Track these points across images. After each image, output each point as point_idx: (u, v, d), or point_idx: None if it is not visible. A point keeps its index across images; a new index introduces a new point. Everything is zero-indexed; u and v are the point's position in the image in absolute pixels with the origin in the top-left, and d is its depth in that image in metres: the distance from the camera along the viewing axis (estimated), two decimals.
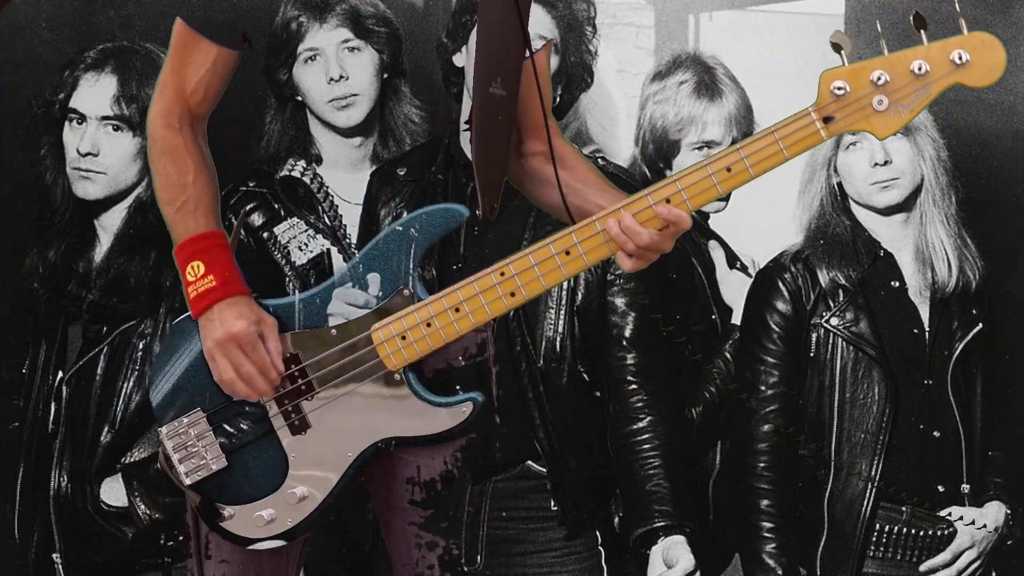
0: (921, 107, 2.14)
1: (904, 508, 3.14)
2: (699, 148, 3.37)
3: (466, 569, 3.01)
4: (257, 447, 2.32)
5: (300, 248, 3.21)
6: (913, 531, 3.14)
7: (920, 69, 2.13)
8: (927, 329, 3.19)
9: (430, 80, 3.30)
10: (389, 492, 2.37)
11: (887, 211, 3.22)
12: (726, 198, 3.43)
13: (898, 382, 3.15)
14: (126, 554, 3.05)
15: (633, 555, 3.02)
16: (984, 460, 3.21)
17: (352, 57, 3.21)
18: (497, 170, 2.33)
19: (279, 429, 2.31)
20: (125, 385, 3.07)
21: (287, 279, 3.20)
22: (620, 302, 3.05)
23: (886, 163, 3.17)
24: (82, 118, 3.11)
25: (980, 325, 3.22)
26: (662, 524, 2.94)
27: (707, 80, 3.37)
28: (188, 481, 2.32)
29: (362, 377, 2.28)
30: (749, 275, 3.41)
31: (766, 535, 3.12)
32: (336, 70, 3.18)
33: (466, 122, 2.36)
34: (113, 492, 3.05)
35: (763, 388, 3.16)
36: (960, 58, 2.13)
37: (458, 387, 2.32)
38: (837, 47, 2.13)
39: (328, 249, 3.21)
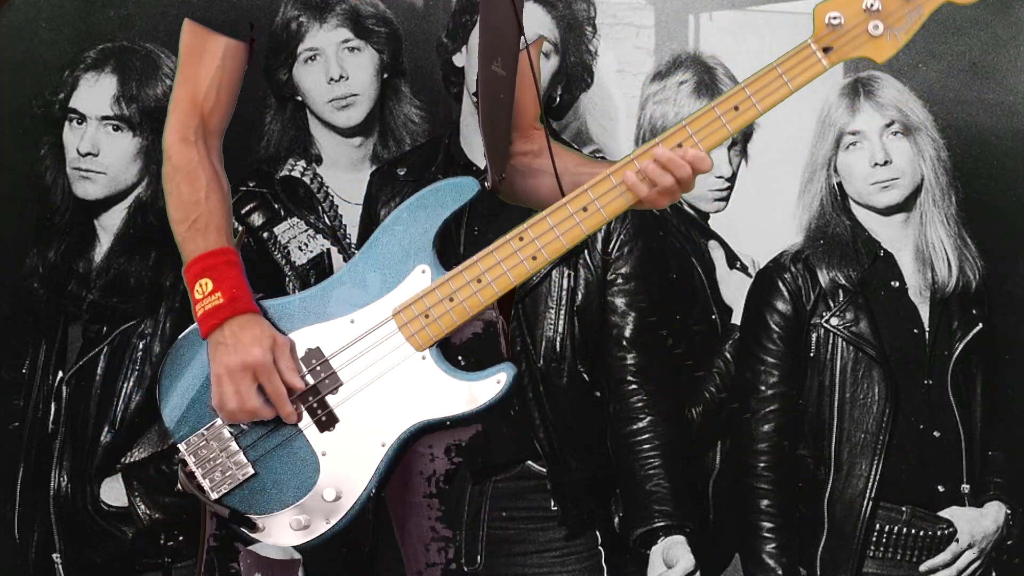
0: (915, 28, 2.16)
1: (904, 508, 3.14)
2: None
3: (466, 569, 3.01)
4: (284, 450, 2.23)
5: (300, 248, 3.21)
6: (913, 531, 3.14)
7: None
8: (927, 329, 3.19)
9: (430, 80, 3.30)
10: (406, 489, 2.31)
11: (887, 211, 3.22)
12: (726, 199, 3.43)
13: (898, 382, 3.15)
14: (126, 554, 3.05)
15: (633, 555, 3.02)
16: (984, 460, 3.21)
17: (352, 57, 3.21)
18: (502, 142, 2.31)
19: (306, 428, 2.23)
20: (125, 385, 3.07)
21: (287, 279, 3.20)
22: (620, 302, 3.05)
23: (886, 163, 3.18)
24: (82, 118, 3.11)
25: (980, 325, 3.22)
26: (662, 524, 2.94)
27: (707, 80, 3.37)
28: (215, 495, 2.24)
29: (388, 362, 2.22)
30: (749, 275, 3.41)
31: (766, 535, 3.12)
32: (336, 70, 3.18)
33: (473, 94, 2.32)
34: (113, 492, 3.05)
35: (763, 388, 3.16)
36: None
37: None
38: None
39: (328, 249, 3.21)
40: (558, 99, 3.17)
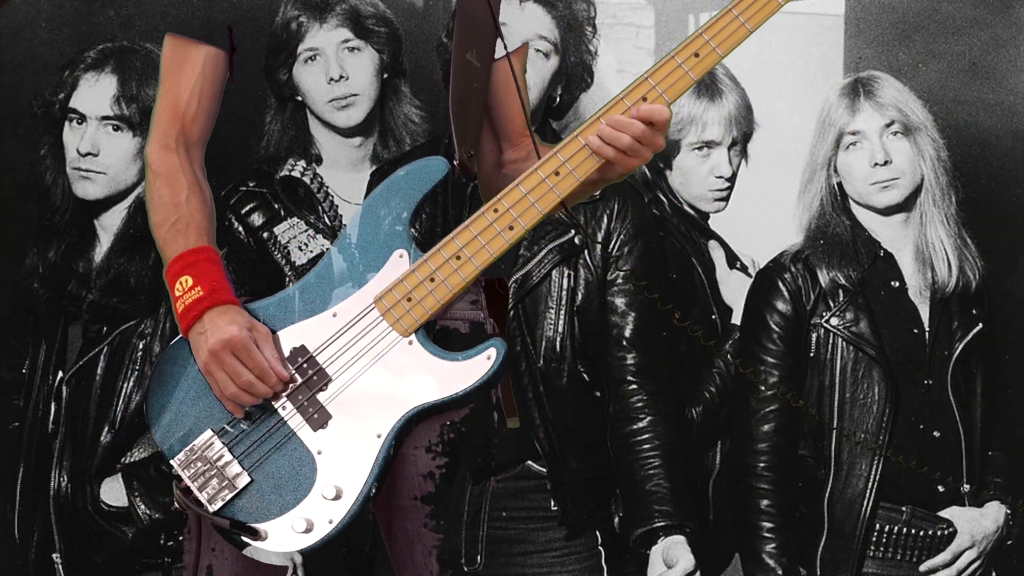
0: None
1: (904, 508, 3.14)
2: (699, 148, 3.37)
3: (466, 569, 3.01)
4: (280, 454, 2.19)
5: (300, 248, 3.20)
6: (913, 531, 3.14)
7: None
8: (927, 329, 3.19)
9: (430, 80, 3.30)
10: (390, 492, 2.27)
11: (887, 211, 3.22)
12: (726, 199, 3.43)
13: (898, 382, 3.15)
14: (126, 554, 3.05)
15: (633, 555, 3.02)
16: (984, 460, 3.21)
17: (352, 57, 3.21)
18: (473, 122, 2.28)
19: (299, 428, 2.19)
20: (125, 385, 3.07)
21: (287, 279, 3.19)
22: (620, 302, 3.05)
23: (886, 163, 3.18)
24: (82, 118, 3.11)
25: (980, 325, 3.22)
26: (662, 524, 2.94)
27: (707, 80, 3.37)
28: (213, 508, 2.18)
29: (375, 351, 2.18)
30: (749, 275, 3.41)
31: (766, 535, 3.12)
32: (336, 70, 3.18)
33: (447, 79, 2.31)
34: (113, 492, 3.05)
35: (763, 388, 3.16)
36: None
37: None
38: None
39: (328, 249, 3.21)
40: (558, 99, 3.17)
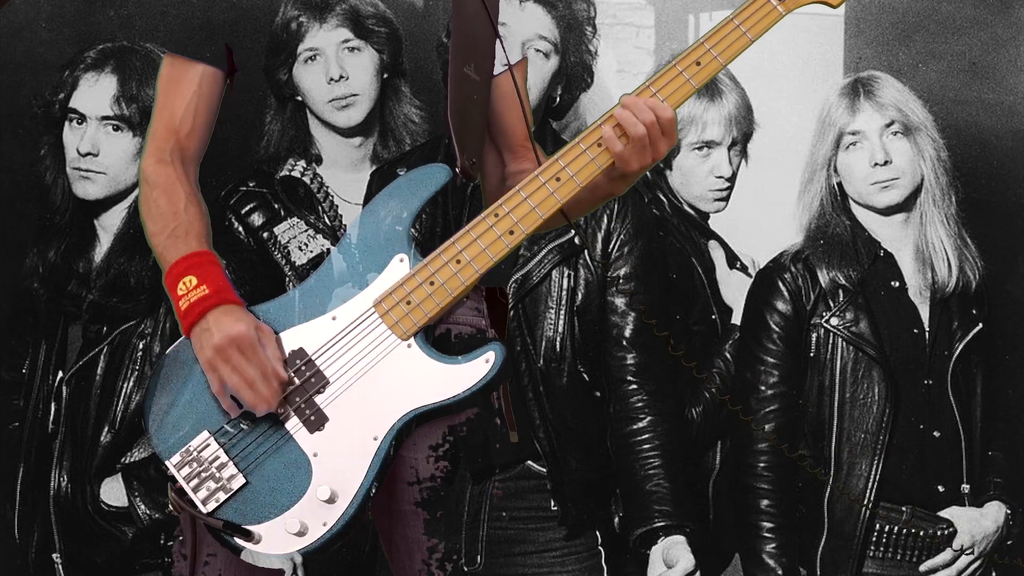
0: None
1: (904, 508, 3.14)
2: (699, 148, 3.37)
3: (466, 569, 3.01)
4: (276, 456, 2.17)
5: (300, 248, 3.20)
6: (913, 531, 3.14)
7: None
8: (927, 329, 3.20)
9: (430, 80, 3.30)
10: (390, 498, 2.25)
11: (887, 211, 3.22)
12: (726, 199, 3.43)
13: (898, 382, 3.15)
14: (126, 554, 3.05)
15: (633, 555, 3.02)
16: (984, 460, 3.21)
17: (352, 57, 3.21)
18: (473, 129, 2.28)
19: (295, 431, 2.17)
20: (125, 385, 3.07)
21: (287, 279, 3.19)
22: (620, 302, 3.05)
23: (886, 163, 3.18)
24: (82, 118, 3.11)
25: (980, 325, 3.22)
26: (662, 524, 2.94)
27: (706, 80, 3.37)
28: (206, 508, 2.16)
29: (374, 354, 2.17)
30: (749, 275, 3.41)
31: (766, 535, 3.12)
32: (336, 70, 3.18)
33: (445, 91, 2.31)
34: (113, 492, 3.05)
35: (763, 388, 3.16)
36: None
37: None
38: None
39: (328, 249, 3.21)
40: (558, 99, 3.17)
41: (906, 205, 3.22)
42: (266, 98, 3.30)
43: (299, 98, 3.26)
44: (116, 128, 3.10)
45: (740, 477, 3.18)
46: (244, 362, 2.13)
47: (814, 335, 3.19)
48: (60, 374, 3.13)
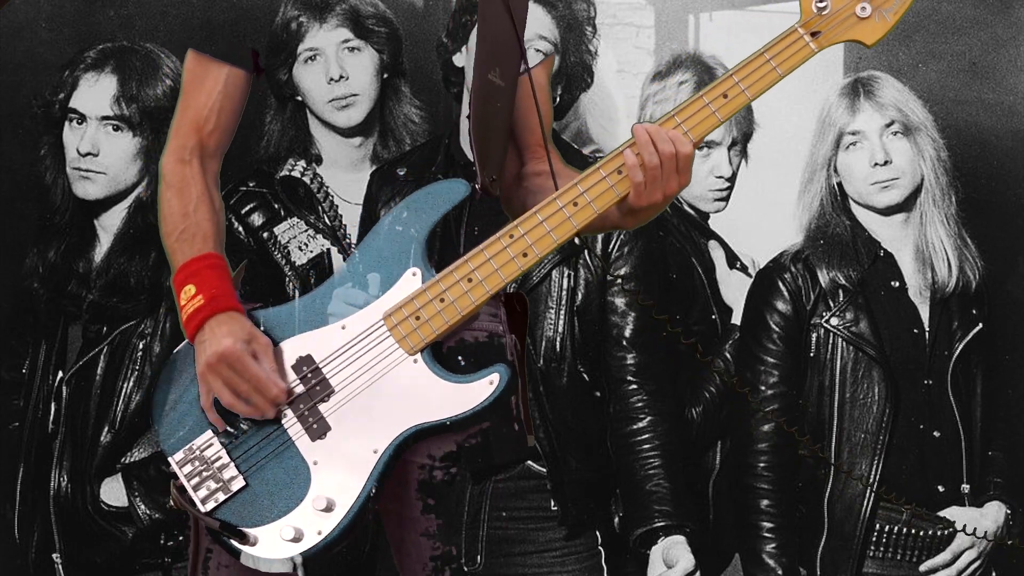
0: (904, 8, 2.15)
1: (904, 508, 3.14)
2: (699, 148, 3.37)
3: (466, 569, 3.01)
4: (277, 460, 2.18)
5: (300, 248, 3.20)
6: (913, 531, 3.14)
7: None
8: (927, 329, 3.20)
9: (430, 80, 3.30)
10: (402, 504, 2.26)
11: (887, 211, 3.22)
12: (726, 199, 3.43)
13: (898, 382, 3.15)
14: (126, 554, 3.05)
15: (633, 555, 3.02)
16: (984, 460, 3.21)
17: (352, 57, 3.21)
18: (496, 145, 2.28)
19: (297, 437, 2.18)
20: (125, 385, 3.07)
21: (287, 279, 3.19)
22: (620, 302, 3.05)
23: (886, 163, 3.18)
24: (82, 118, 3.11)
25: (980, 325, 3.22)
26: (662, 524, 2.94)
27: (707, 80, 3.37)
28: (205, 508, 2.17)
29: (380, 367, 2.17)
30: (749, 275, 3.41)
31: (766, 535, 3.12)
32: (336, 70, 3.18)
33: (469, 105, 2.30)
34: (113, 492, 3.05)
35: (763, 388, 3.16)
36: None
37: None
38: None
39: (328, 249, 3.21)
40: (558, 99, 3.17)
41: (906, 205, 3.22)
42: (266, 98, 3.30)
43: (299, 98, 3.26)
44: (116, 128, 3.10)
45: (740, 477, 3.18)
46: (235, 377, 2.14)
47: (814, 335, 3.19)
48: (60, 374, 3.13)
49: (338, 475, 2.16)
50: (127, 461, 3.07)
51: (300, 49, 3.20)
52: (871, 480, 3.12)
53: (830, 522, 3.15)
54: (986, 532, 3.15)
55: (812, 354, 3.18)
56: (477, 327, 2.23)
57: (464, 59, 3.05)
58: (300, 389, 2.19)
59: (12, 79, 3.44)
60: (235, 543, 2.16)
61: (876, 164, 3.18)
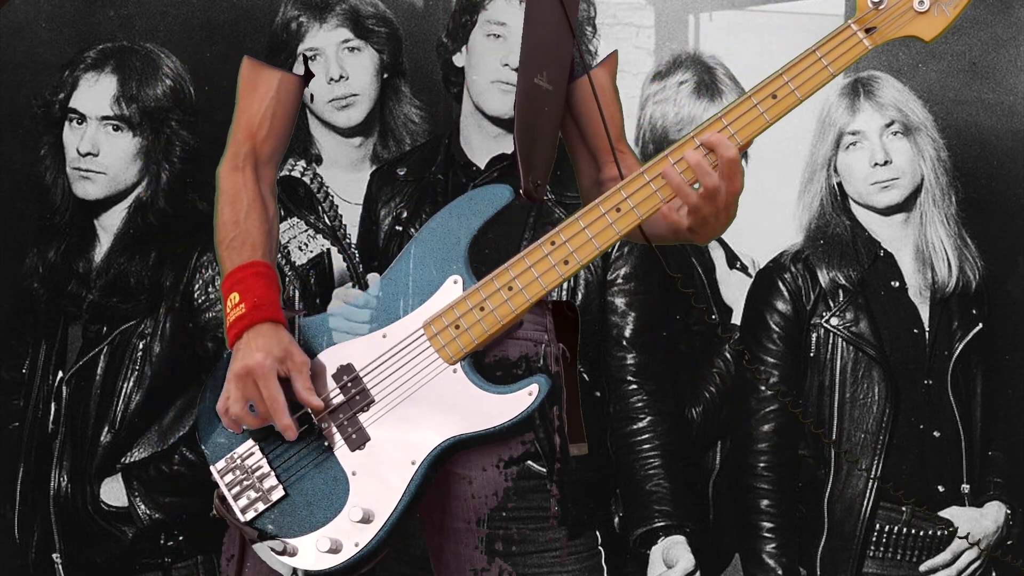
0: (966, 1, 2.05)
1: (904, 508, 3.14)
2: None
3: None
4: (317, 470, 2.17)
5: (300, 248, 3.21)
6: (913, 531, 3.14)
7: None
8: (927, 329, 3.20)
9: (430, 80, 3.30)
10: (444, 514, 2.25)
11: (887, 211, 3.22)
12: None
13: (898, 382, 3.16)
14: (126, 554, 3.05)
15: (633, 555, 3.02)
16: (984, 460, 3.21)
17: (352, 57, 3.21)
18: (541, 150, 2.25)
19: (337, 447, 2.16)
20: (125, 385, 3.07)
21: (287, 279, 3.20)
22: (620, 302, 3.05)
23: (886, 163, 3.18)
24: (82, 118, 3.11)
25: (980, 325, 3.22)
26: (662, 524, 2.94)
27: (707, 80, 3.37)
28: (244, 517, 2.18)
29: (420, 377, 2.16)
30: (749, 275, 3.41)
31: (766, 535, 3.12)
32: (336, 70, 3.19)
33: (514, 108, 2.26)
34: (113, 492, 3.05)
35: (763, 388, 3.16)
36: None
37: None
38: None
39: (328, 249, 3.21)
40: None
41: (906, 205, 3.22)
42: None
43: None
44: (116, 128, 3.10)
45: (740, 477, 3.18)
46: (255, 393, 2.13)
47: (814, 335, 3.19)
48: (60, 374, 3.13)
49: (376, 486, 2.15)
50: (127, 461, 3.07)
51: (300, 49, 3.20)
52: (873, 477, 3.12)
53: (830, 522, 3.15)
54: (981, 540, 3.15)
55: (812, 354, 3.18)
56: (521, 336, 2.22)
57: (464, 59, 3.05)
58: (340, 399, 2.18)
59: (12, 79, 3.44)
60: (274, 554, 2.16)
61: (876, 164, 3.18)
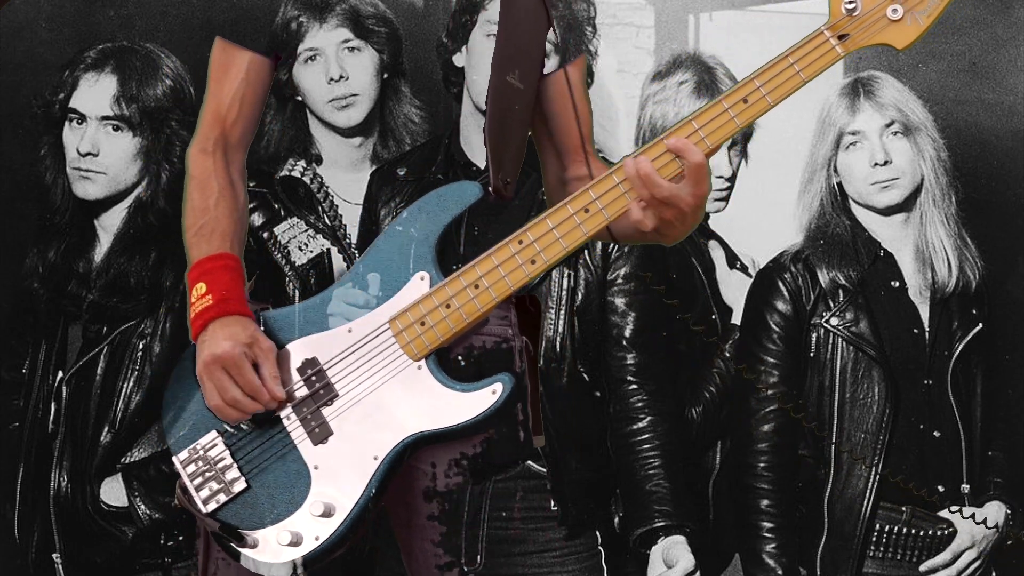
0: (939, 11, 2.04)
1: (904, 508, 3.14)
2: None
3: (466, 569, 3.01)
4: (279, 463, 2.17)
5: (300, 248, 3.21)
6: (913, 531, 3.14)
7: None
8: (927, 329, 3.19)
9: (430, 80, 3.30)
10: (408, 510, 2.26)
11: (887, 211, 3.22)
12: (726, 199, 3.43)
13: (898, 382, 3.15)
14: (126, 554, 3.05)
15: (633, 555, 3.02)
16: (984, 460, 3.21)
17: (352, 57, 3.21)
18: (511, 147, 2.25)
19: (300, 441, 2.17)
20: (125, 385, 3.07)
21: (287, 279, 3.20)
22: (620, 302, 3.05)
23: (886, 163, 3.18)
24: (82, 118, 3.11)
25: (980, 325, 3.22)
26: (662, 524, 2.94)
27: (707, 80, 3.37)
28: (206, 509, 2.18)
29: (384, 372, 2.16)
30: (749, 275, 3.41)
31: (766, 535, 3.12)
32: (336, 70, 3.18)
33: (486, 105, 2.26)
34: (113, 492, 3.05)
35: (763, 388, 3.16)
36: None
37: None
38: None
39: (328, 249, 3.21)
40: None
41: (906, 205, 3.22)
42: (266, 98, 3.30)
43: (299, 98, 3.26)
44: (116, 128, 3.10)
45: (740, 477, 3.18)
46: (227, 381, 2.13)
47: (814, 335, 3.19)
48: (60, 374, 3.13)
49: (338, 480, 2.16)
50: (127, 461, 3.07)
51: (300, 49, 3.20)
52: (873, 478, 3.12)
53: (830, 522, 3.15)
54: (985, 520, 3.15)
55: (812, 354, 3.18)
56: (486, 332, 2.22)
57: (464, 59, 3.05)
58: (304, 392, 2.18)
59: (12, 79, 3.44)
60: (234, 545, 2.16)
61: (876, 164, 3.18)
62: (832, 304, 3.18)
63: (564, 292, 3.03)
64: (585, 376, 3.04)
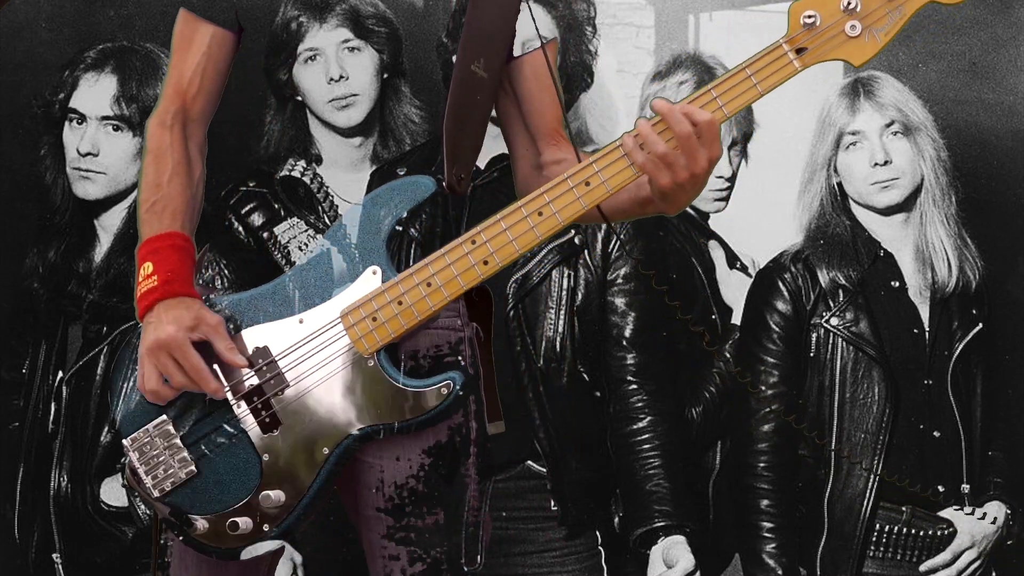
0: (896, 29, 2.04)
1: (904, 508, 3.14)
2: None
3: (466, 569, 3.01)
4: (228, 450, 2.17)
5: (300, 248, 3.21)
6: (913, 531, 3.14)
7: None
8: (927, 329, 3.20)
9: (430, 80, 3.30)
10: (357, 501, 2.24)
11: (887, 211, 3.22)
12: (726, 199, 3.43)
13: (898, 382, 3.16)
14: (126, 554, 3.05)
15: (633, 555, 3.02)
16: (984, 460, 3.21)
17: (352, 57, 3.21)
18: (468, 141, 2.24)
19: (250, 429, 2.16)
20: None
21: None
22: (620, 302, 3.05)
23: (886, 163, 3.18)
24: (82, 118, 3.11)
25: (980, 325, 3.22)
26: (662, 524, 2.94)
27: (707, 80, 3.35)
28: (156, 493, 2.18)
29: (334, 365, 2.15)
30: (749, 275, 3.41)
31: (766, 535, 3.12)
32: (336, 70, 3.18)
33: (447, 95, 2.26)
34: (113, 492, 3.05)
35: (763, 388, 3.16)
36: None
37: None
38: None
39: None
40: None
41: (906, 205, 3.22)
42: (266, 98, 3.30)
43: (299, 98, 3.26)
44: (116, 128, 3.11)
45: (740, 477, 3.18)
46: (171, 365, 2.12)
47: (814, 335, 3.19)
48: (60, 374, 3.13)
49: (287, 471, 2.16)
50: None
51: (300, 49, 3.20)
52: (873, 477, 3.12)
53: (830, 522, 3.15)
54: (986, 515, 3.15)
55: (812, 354, 3.18)
56: (437, 325, 2.21)
57: None
58: (255, 381, 2.17)
59: (12, 79, 3.44)
60: (183, 530, 2.18)
61: (876, 164, 3.18)
62: (832, 304, 3.18)
63: (564, 292, 3.03)
64: (585, 376, 3.04)
